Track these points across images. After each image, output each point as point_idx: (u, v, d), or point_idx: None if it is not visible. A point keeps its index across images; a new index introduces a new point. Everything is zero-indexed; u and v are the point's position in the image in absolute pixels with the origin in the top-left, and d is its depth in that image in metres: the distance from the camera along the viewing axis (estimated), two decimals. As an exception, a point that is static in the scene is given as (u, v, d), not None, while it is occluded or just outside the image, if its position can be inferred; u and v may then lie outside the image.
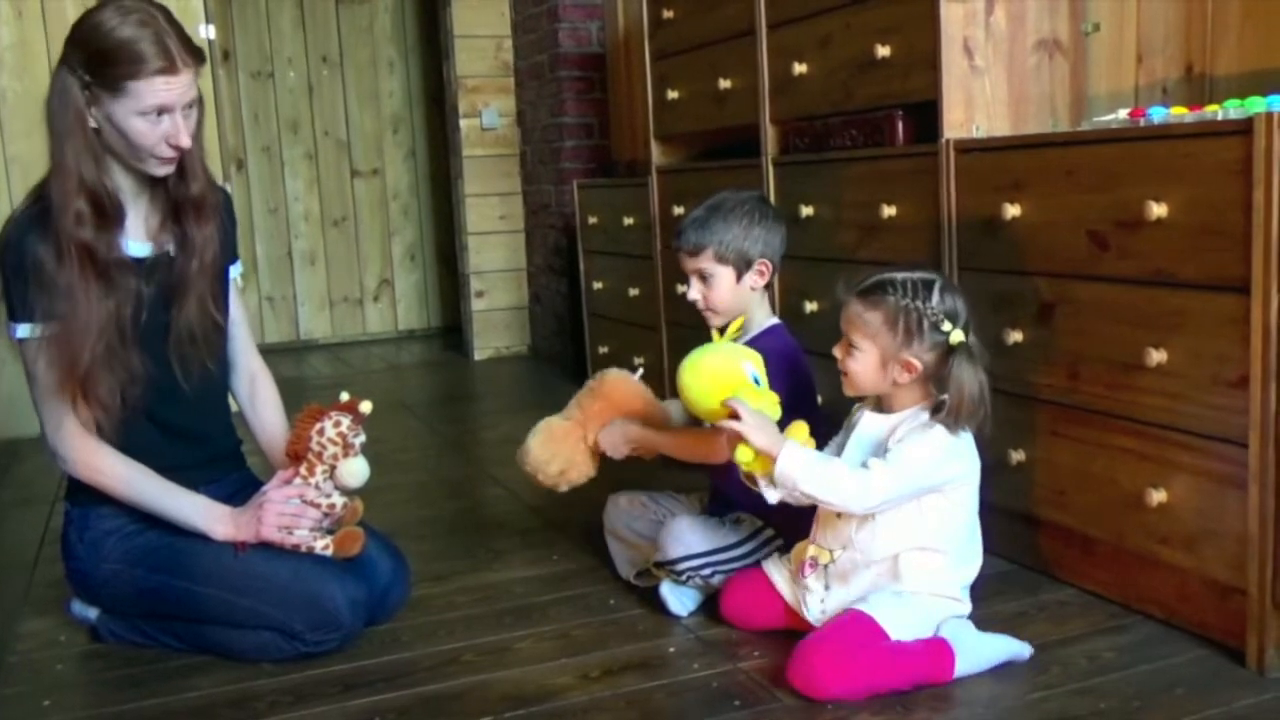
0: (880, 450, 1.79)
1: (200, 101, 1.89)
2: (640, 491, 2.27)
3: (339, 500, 1.96)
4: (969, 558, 1.85)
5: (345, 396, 1.97)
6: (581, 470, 2.15)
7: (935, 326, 1.74)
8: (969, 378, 1.74)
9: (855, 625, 1.74)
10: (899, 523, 1.78)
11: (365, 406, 1.95)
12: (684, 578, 2.02)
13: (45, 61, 3.88)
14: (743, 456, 1.73)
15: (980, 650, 1.78)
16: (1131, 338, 1.85)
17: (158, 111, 1.80)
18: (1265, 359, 1.65)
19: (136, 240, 1.96)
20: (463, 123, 5.08)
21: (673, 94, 3.33)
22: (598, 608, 2.12)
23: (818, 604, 1.85)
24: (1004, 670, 1.77)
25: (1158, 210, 1.77)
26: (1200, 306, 1.74)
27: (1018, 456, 2.11)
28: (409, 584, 2.14)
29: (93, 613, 2.05)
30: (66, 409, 1.90)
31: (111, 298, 1.88)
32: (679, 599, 2.04)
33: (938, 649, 1.75)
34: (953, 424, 1.76)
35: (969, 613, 1.84)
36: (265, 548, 1.92)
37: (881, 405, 1.86)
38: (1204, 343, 1.74)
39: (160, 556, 1.95)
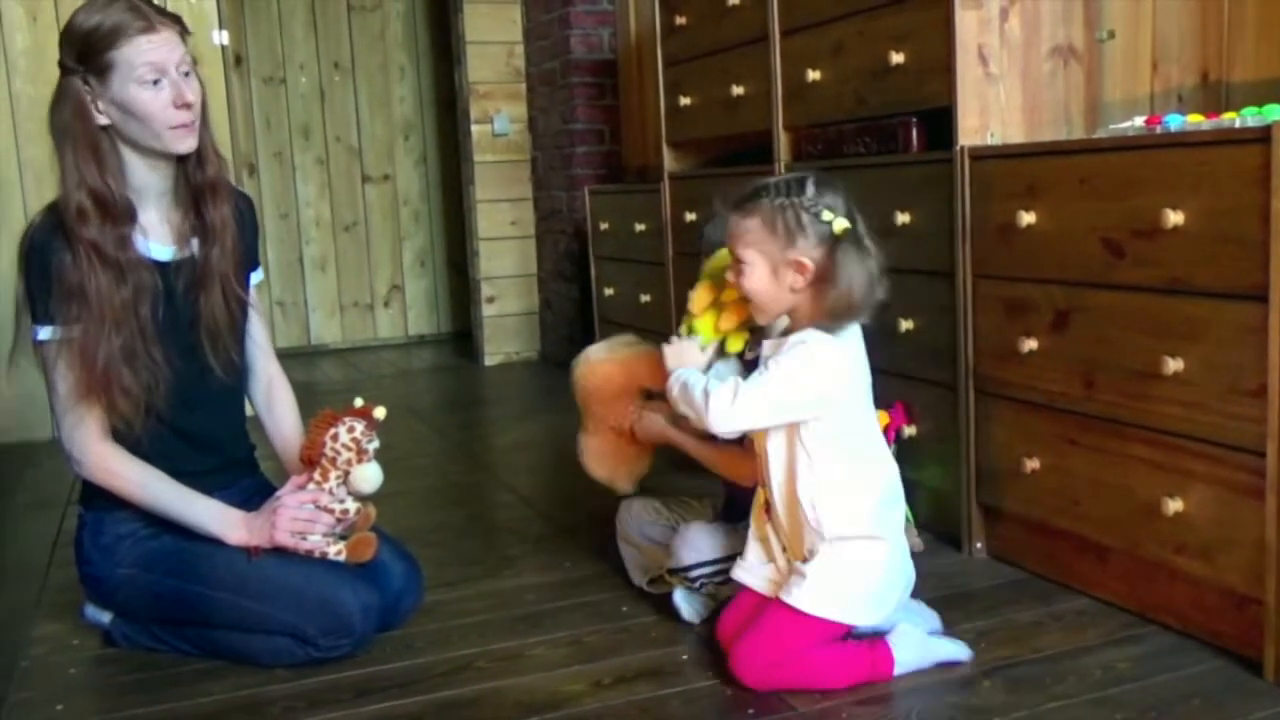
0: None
1: (199, 78, 1.90)
2: (653, 497, 2.26)
3: (352, 506, 1.96)
4: (876, 481, 1.79)
5: (360, 402, 1.97)
6: (633, 467, 2.13)
7: (816, 217, 1.70)
8: (855, 266, 1.69)
9: (788, 625, 1.74)
10: (789, 463, 1.76)
11: (379, 412, 1.95)
12: (697, 585, 2.02)
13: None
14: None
15: (921, 650, 1.80)
16: (1148, 346, 1.84)
17: (154, 76, 1.82)
18: (1283, 368, 1.64)
19: (159, 243, 1.97)
20: (474, 129, 5.08)
21: (685, 100, 3.34)
22: (610, 615, 2.12)
23: (780, 553, 1.84)
24: (1019, 680, 1.76)
25: (1174, 218, 1.76)
26: (1217, 315, 1.73)
27: (1032, 464, 2.10)
28: (422, 590, 2.13)
29: (106, 617, 2.05)
30: (83, 412, 1.90)
31: (126, 294, 1.89)
32: (692, 606, 2.04)
33: (875, 652, 1.77)
34: (842, 316, 1.72)
35: (907, 547, 1.82)
36: (279, 553, 1.92)
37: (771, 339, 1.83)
38: (1221, 351, 1.73)
39: (174, 561, 1.95)
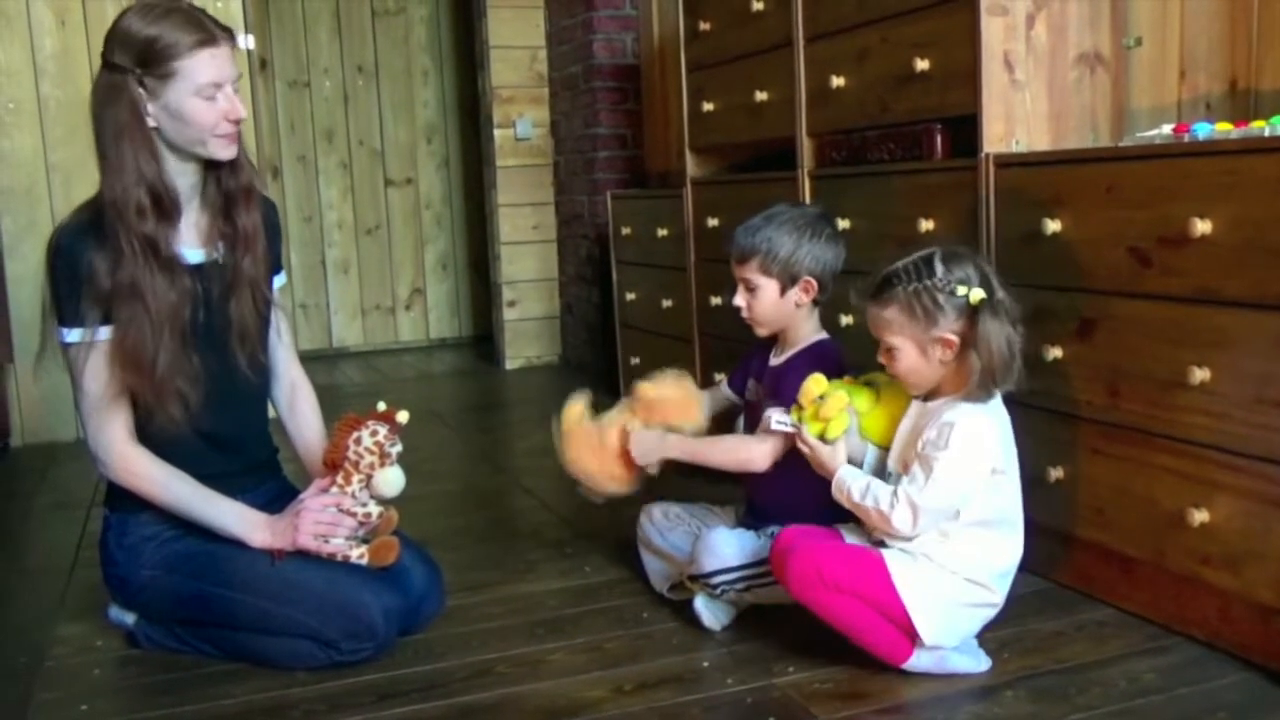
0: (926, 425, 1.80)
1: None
2: (674, 503, 2.26)
3: (375, 509, 1.97)
4: (1003, 553, 1.83)
5: (383, 406, 1.98)
6: (609, 483, 2.15)
7: (950, 294, 1.75)
8: (995, 332, 1.74)
9: (870, 573, 1.77)
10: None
11: (402, 416, 1.96)
12: (718, 591, 2.01)
13: (87, 70, 3.92)
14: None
15: (938, 659, 1.81)
16: (1174, 355, 1.83)
17: (212, 88, 1.86)
18: (1312, 379, 1.63)
19: (189, 246, 1.98)
20: (497, 133, 5.10)
21: (708, 105, 3.33)
22: (631, 621, 2.11)
23: None
24: (1042, 691, 1.75)
25: (1202, 227, 1.75)
26: (1245, 325, 1.72)
27: (1056, 474, 2.09)
28: (443, 594, 2.14)
29: (130, 618, 2.07)
30: (110, 414, 1.92)
31: (175, 294, 1.91)
32: (713, 613, 2.03)
33: (900, 638, 1.79)
34: (988, 386, 1.76)
35: (998, 605, 1.83)
36: (301, 556, 1.93)
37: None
38: (1249, 361, 1.72)
39: (197, 563, 1.96)
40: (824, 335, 2.13)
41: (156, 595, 1.99)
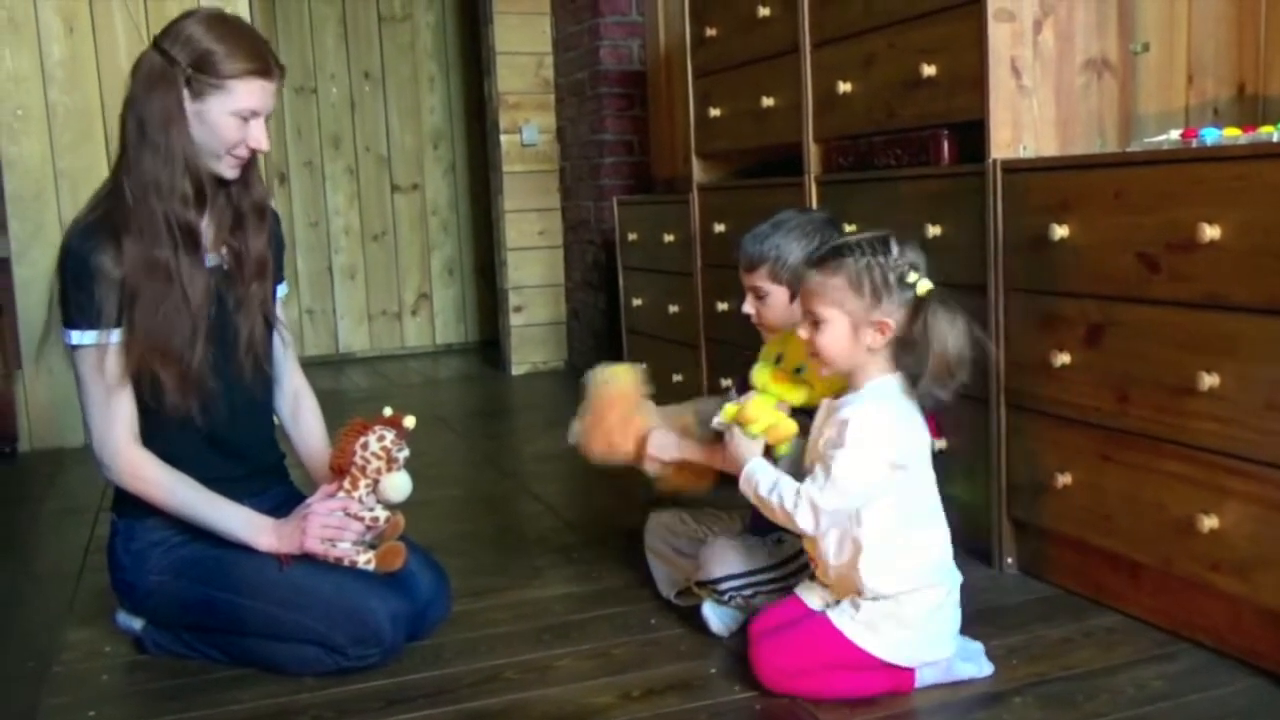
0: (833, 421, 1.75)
1: None
2: (682, 509, 2.26)
3: (382, 514, 1.97)
4: (925, 547, 1.78)
5: (389, 411, 1.98)
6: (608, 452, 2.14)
7: (901, 279, 1.69)
8: (947, 327, 1.68)
9: (826, 642, 1.75)
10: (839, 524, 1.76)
11: (409, 421, 1.96)
12: (726, 597, 2.01)
13: (94, 77, 3.94)
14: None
15: (944, 670, 1.80)
16: (1183, 361, 1.83)
17: (249, 113, 1.89)
18: (1322, 384, 1.62)
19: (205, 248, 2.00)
20: (503, 139, 5.10)
21: (714, 111, 3.34)
22: (638, 627, 2.11)
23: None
24: (1050, 697, 1.75)
25: (1210, 232, 1.75)
26: (1254, 330, 1.71)
27: (1064, 480, 2.08)
28: (450, 600, 2.14)
29: (138, 623, 2.06)
30: (116, 417, 1.92)
31: (202, 285, 1.93)
32: (721, 619, 2.03)
33: (898, 675, 1.77)
34: (943, 379, 1.69)
35: (953, 590, 1.79)
36: (309, 562, 1.93)
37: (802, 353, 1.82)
38: (1258, 367, 1.71)
39: (205, 569, 1.96)
40: None
41: (164, 600, 1.99)
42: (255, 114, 1.90)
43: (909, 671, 1.77)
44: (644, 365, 2.23)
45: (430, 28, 6.04)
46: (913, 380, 1.73)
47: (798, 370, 1.91)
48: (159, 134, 1.88)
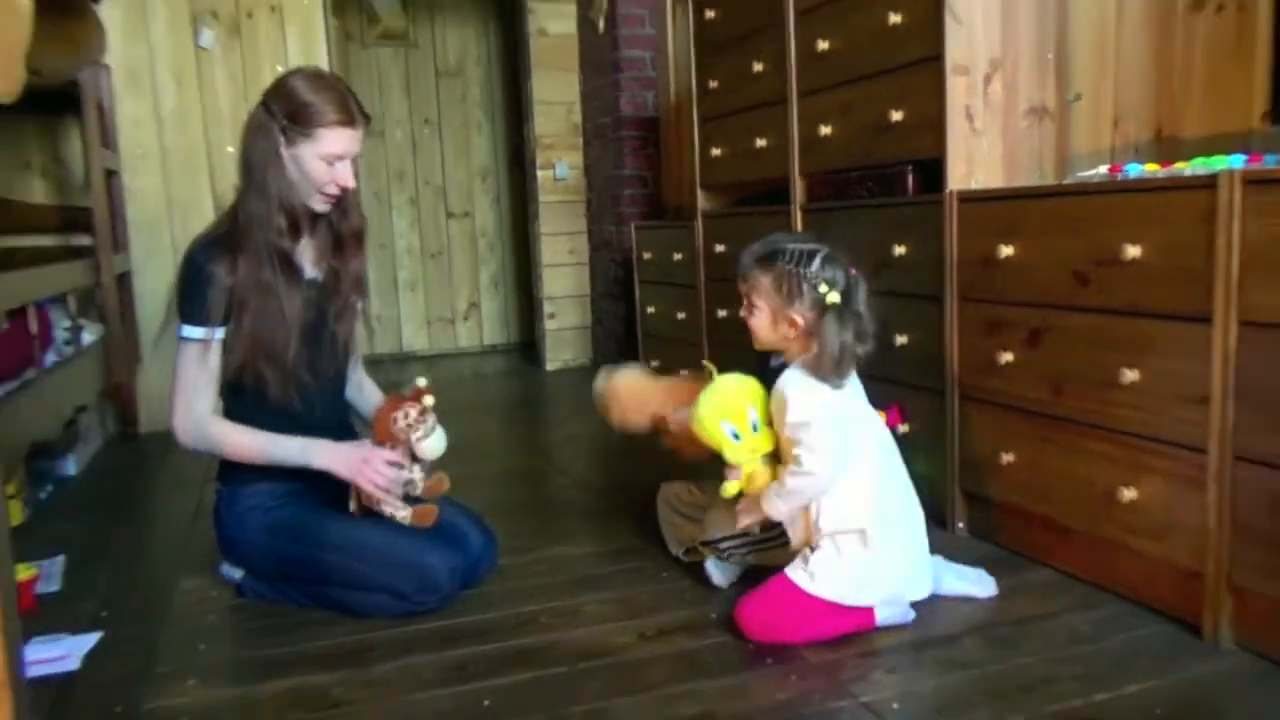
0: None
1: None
2: (688, 480, 2.27)
3: (418, 475, 1.98)
4: (864, 485, 1.77)
5: (422, 382, 1.99)
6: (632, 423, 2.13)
7: (814, 288, 1.74)
8: (831, 335, 1.72)
9: (787, 595, 1.76)
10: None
11: (429, 400, 1.98)
12: (725, 555, 2.02)
13: (200, 122, 3.97)
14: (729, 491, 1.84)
15: (902, 610, 1.81)
16: (1108, 360, 1.83)
17: (334, 157, 1.91)
18: (1224, 379, 1.62)
19: (306, 265, 2.02)
20: (539, 174, 5.11)
21: (716, 151, 3.34)
22: (652, 578, 2.12)
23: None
24: (996, 639, 1.75)
25: (1133, 251, 1.75)
26: (1169, 334, 1.71)
27: (1008, 458, 2.09)
28: (497, 555, 2.15)
29: (238, 573, 2.08)
30: (203, 394, 1.94)
31: (298, 298, 1.95)
32: (721, 572, 2.04)
33: (858, 615, 1.77)
34: (822, 371, 1.73)
35: (892, 532, 1.78)
36: (379, 524, 1.94)
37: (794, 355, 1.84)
38: (1171, 365, 1.72)
39: (295, 528, 1.97)
40: None
41: (260, 555, 2.02)
42: (340, 157, 1.91)
43: (867, 611, 1.77)
44: (655, 363, 2.23)
45: (479, 81, 6.06)
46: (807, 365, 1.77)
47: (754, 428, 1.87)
48: (260, 175, 1.90)
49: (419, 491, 2.00)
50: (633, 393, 2.13)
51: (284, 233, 1.92)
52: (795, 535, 1.83)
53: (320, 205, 1.96)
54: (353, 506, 1.97)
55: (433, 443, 1.98)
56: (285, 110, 1.88)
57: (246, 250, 1.90)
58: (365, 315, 2.14)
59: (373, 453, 1.95)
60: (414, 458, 1.98)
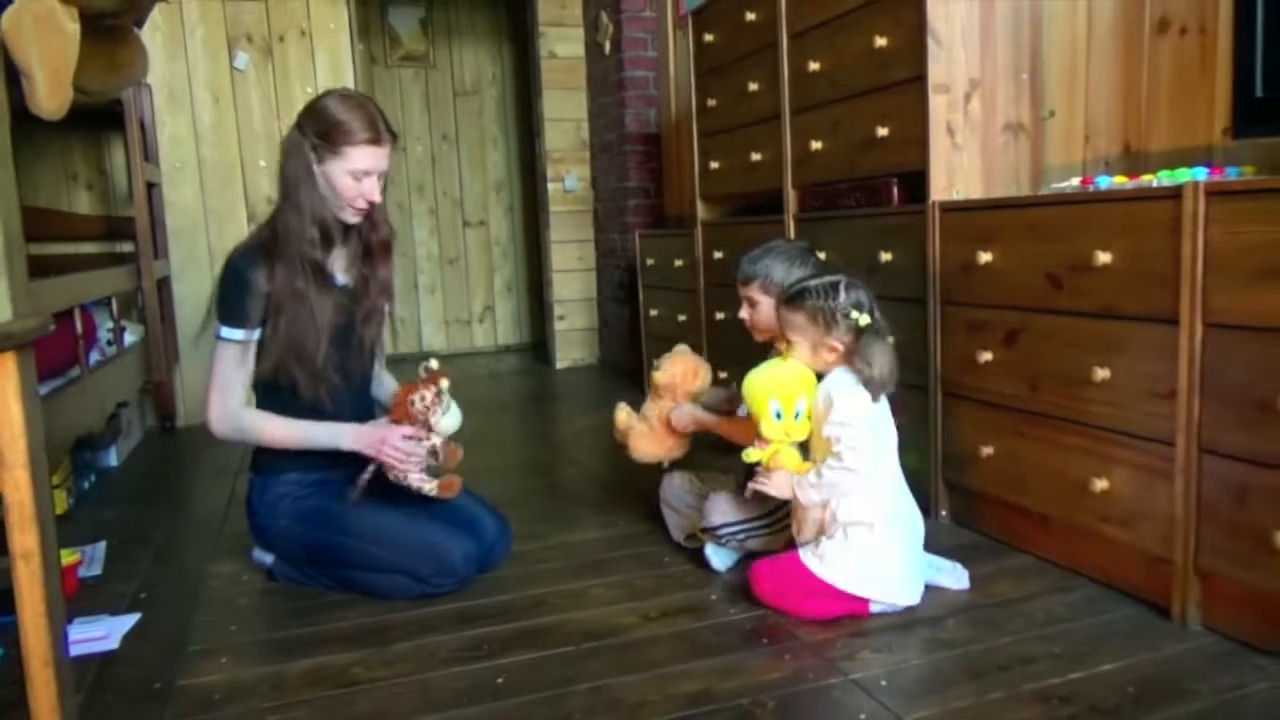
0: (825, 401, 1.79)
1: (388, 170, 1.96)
2: (689, 471, 2.26)
3: (438, 441, 1.96)
4: (881, 484, 1.79)
5: (435, 364, 1.98)
6: (671, 452, 2.17)
7: (845, 316, 1.77)
8: (879, 352, 1.75)
9: (798, 572, 1.77)
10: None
11: (444, 383, 1.97)
12: (724, 541, 2.01)
13: (235, 137, 3.96)
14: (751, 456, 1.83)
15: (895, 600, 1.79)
16: (1081, 358, 1.81)
17: (362, 173, 1.88)
18: (1190, 376, 1.60)
19: (338, 272, 2.01)
20: (550, 186, 5.10)
21: (714, 164, 3.33)
22: (655, 563, 2.11)
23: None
24: (977, 620, 1.74)
25: (1104, 258, 1.73)
26: (1138, 334, 1.70)
27: (987, 450, 2.07)
28: (510, 541, 2.14)
29: (269, 558, 2.08)
30: (236, 390, 1.93)
31: (330, 305, 1.94)
32: (720, 558, 2.02)
33: (855, 603, 1.76)
34: (874, 390, 1.76)
35: (898, 531, 1.78)
36: (399, 512, 1.93)
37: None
38: (1140, 363, 1.70)
39: (321, 516, 1.96)
40: None
41: (289, 541, 2.01)
42: (368, 173, 1.89)
43: (863, 601, 1.76)
44: (657, 362, 2.22)
45: (494, 100, 6.05)
46: (855, 372, 1.78)
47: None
48: (294, 191, 1.89)
49: (441, 459, 1.98)
50: (646, 434, 2.16)
51: (316, 244, 1.91)
52: (808, 527, 1.82)
53: (351, 218, 1.95)
54: (355, 492, 1.94)
55: (450, 420, 1.97)
56: (316, 130, 1.87)
57: (283, 259, 1.89)
58: (390, 318, 2.13)
59: (389, 431, 1.94)
60: (429, 431, 1.96)
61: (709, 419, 2.11)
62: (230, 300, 1.90)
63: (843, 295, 1.78)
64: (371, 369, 2.15)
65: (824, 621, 1.75)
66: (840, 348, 1.78)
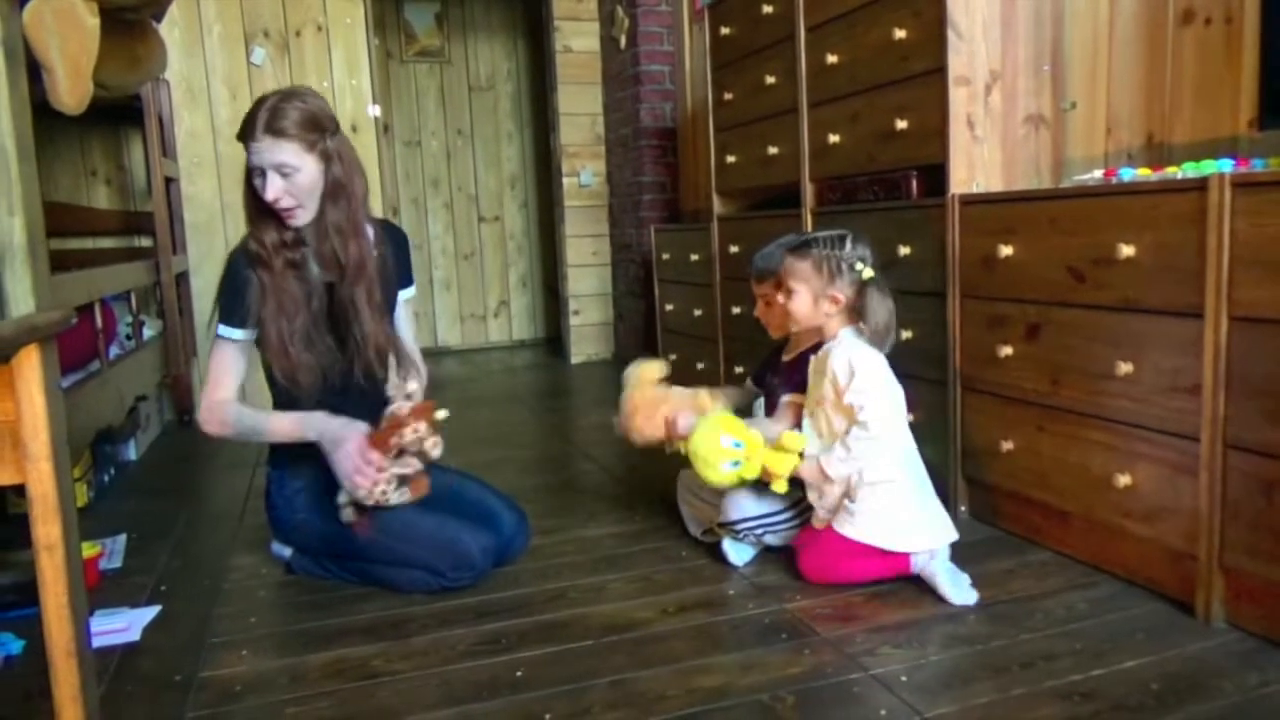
0: (825, 370, 1.84)
1: (302, 170, 1.84)
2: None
3: (410, 470, 1.89)
4: (898, 440, 1.86)
5: (418, 393, 1.95)
6: (645, 439, 2.12)
7: (851, 267, 1.83)
8: (877, 305, 1.82)
9: (837, 544, 1.84)
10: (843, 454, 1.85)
11: (441, 414, 1.93)
12: (741, 535, 2.00)
13: (252, 133, 3.97)
14: (778, 488, 1.90)
15: (935, 567, 1.82)
16: (1104, 353, 1.80)
17: (255, 172, 1.84)
18: (1215, 371, 1.59)
19: (316, 267, 1.96)
20: (565, 181, 5.10)
21: (730, 158, 3.32)
22: (672, 558, 2.11)
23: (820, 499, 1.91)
24: (998, 616, 1.73)
25: (1127, 251, 1.72)
26: (1162, 329, 1.68)
27: (1008, 446, 2.06)
28: (528, 535, 2.14)
29: (287, 551, 2.09)
30: (227, 384, 1.93)
31: (304, 299, 1.92)
32: (737, 552, 2.02)
33: (895, 560, 1.83)
34: (876, 344, 1.84)
35: (915, 484, 1.86)
36: (417, 507, 1.91)
37: (802, 346, 1.94)
38: (1164, 358, 1.68)
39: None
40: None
41: (307, 534, 2.01)
42: (261, 172, 1.83)
43: (904, 556, 1.82)
44: (673, 357, 2.22)
45: (509, 95, 6.05)
46: (859, 332, 1.87)
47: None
48: (248, 202, 1.89)
49: (412, 473, 1.91)
50: (646, 403, 2.12)
51: (265, 242, 1.87)
52: (828, 501, 1.86)
53: (290, 221, 1.88)
54: (346, 517, 1.89)
55: (438, 450, 1.92)
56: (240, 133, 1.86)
57: (264, 264, 1.88)
58: (381, 304, 1.96)
59: (354, 447, 1.84)
60: (400, 455, 1.88)
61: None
62: (229, 299, 1.91)
63: (849, 246, 1.85)
64: (381, 372, 2.08)
65: (867, 584, 1.82)
66: (841, 299, 1.84)
